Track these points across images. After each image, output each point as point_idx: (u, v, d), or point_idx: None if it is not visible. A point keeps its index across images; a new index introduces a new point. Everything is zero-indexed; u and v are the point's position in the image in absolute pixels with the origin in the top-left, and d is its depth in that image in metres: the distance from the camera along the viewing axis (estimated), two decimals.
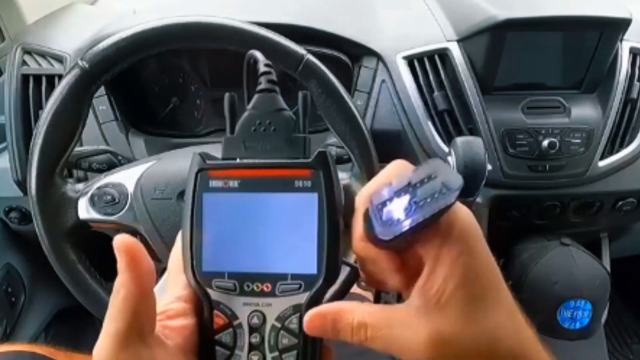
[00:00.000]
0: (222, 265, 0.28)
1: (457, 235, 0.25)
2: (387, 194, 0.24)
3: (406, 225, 0.23)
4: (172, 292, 0.29)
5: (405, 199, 0.23)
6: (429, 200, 0.22)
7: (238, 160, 0.29)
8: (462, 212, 0.26)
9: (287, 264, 0.27)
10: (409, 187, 0.23)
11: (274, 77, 0.30)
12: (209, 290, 0.28)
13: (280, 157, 0.28)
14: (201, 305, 0.28)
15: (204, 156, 0.28)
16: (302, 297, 0.27)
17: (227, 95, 0.30)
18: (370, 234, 0.26)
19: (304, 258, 0.27)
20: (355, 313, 0.26)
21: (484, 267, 0.25)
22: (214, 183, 0.28)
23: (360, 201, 0.28)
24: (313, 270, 0.27)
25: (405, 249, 0.27)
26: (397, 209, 0.23)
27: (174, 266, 0.30)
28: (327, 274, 0.27)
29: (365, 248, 0.27)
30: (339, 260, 0.28)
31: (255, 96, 0.30)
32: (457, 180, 0.22)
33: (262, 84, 0.30)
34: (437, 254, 0.25)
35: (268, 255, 0.28)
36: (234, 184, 0.28)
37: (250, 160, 0.29)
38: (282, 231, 0.27)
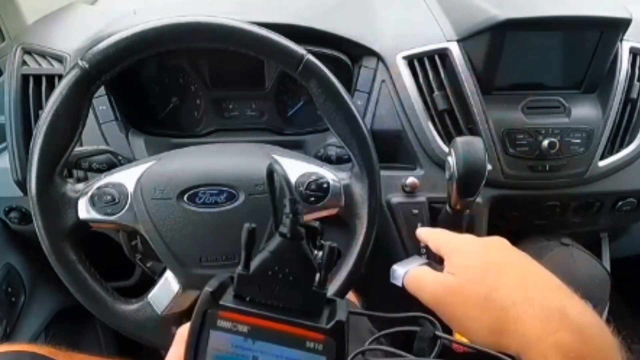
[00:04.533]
0: None
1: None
2: None
3: None
4: None
5: None
6: None
7: (250, 309, 0.28)
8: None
9: None
10: None
11: (301, 219, 0.28)
12: None
13: (295, 307, 0.28)
14: None
15: (216, 294, 0.28)
16: None
17: (245, 226, 0.28)
18: None
19: None
20: None
21: None
22: (222, 323, 0.28)
23: None
24: None
25: None
26: None
27: None
28: None
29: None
30: None
31: (278, 240, 0.28)
32: None
33: (287, 229, 0.28)
34: None
35: None
36: (243, 328, 0.27)
37: (265, 312, 0.28)
38: None
